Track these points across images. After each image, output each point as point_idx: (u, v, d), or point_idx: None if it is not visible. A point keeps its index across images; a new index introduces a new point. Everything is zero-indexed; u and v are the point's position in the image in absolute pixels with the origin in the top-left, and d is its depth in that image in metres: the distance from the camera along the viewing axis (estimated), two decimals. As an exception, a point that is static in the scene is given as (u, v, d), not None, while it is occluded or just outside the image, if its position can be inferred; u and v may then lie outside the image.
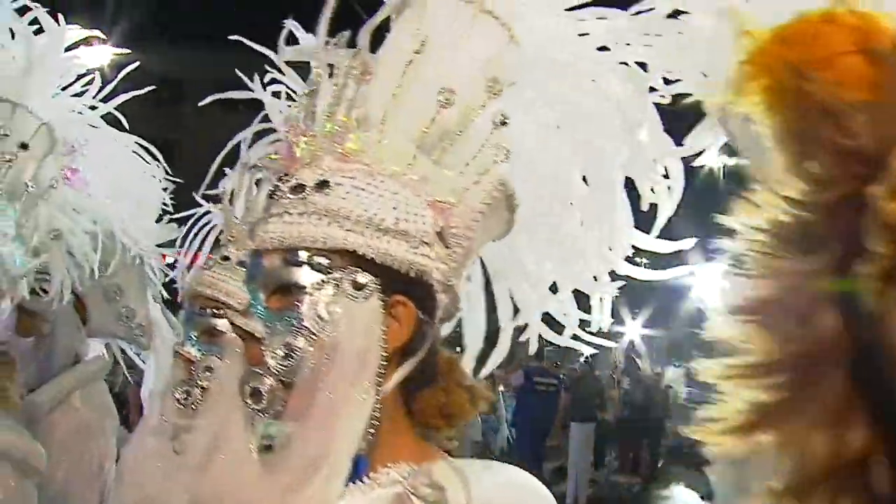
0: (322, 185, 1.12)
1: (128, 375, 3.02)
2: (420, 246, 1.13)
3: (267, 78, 2.25)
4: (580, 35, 1.52)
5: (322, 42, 1.31)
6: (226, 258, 1.92)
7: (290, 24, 2.10)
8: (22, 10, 2.22)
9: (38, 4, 2.22)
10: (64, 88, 2.38)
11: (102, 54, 2.38)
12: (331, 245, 1.09)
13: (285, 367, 1.07)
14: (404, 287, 1.11)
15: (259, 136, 2.35)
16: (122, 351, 2.99)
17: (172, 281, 2.95)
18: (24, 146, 2.16)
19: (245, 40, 2.16)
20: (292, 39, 1.70)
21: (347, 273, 1.09)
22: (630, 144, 1.51)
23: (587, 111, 1.51)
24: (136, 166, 2.50)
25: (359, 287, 1.09)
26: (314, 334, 1.07)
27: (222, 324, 1.84)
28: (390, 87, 1.24)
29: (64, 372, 2.64)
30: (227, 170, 2.51)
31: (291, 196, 1.12)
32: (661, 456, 12.37)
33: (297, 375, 1.07)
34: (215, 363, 1.84)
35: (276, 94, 2.27)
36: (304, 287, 1.09)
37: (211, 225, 2.66)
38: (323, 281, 1.09)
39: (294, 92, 1.91)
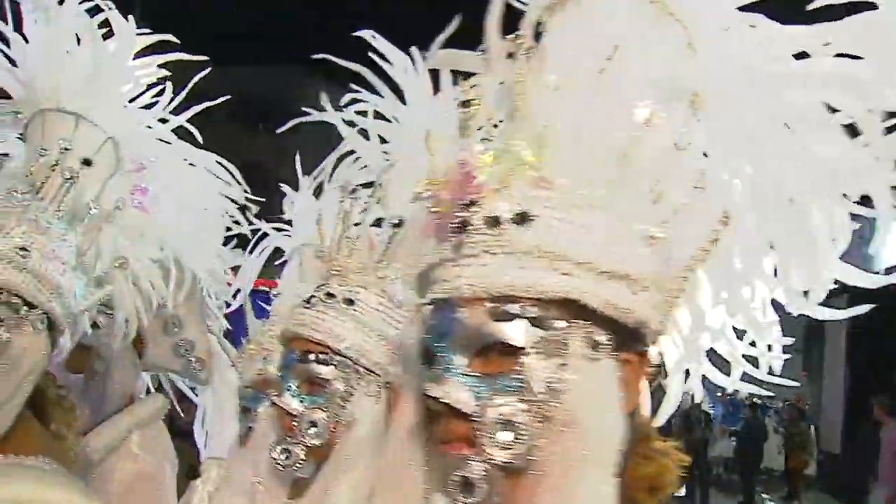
0: (522, 217, 0.94)
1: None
2: (640, 292, 0.95)
3: (347, 97, 2.04)
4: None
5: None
6: (330, 295, 1.66)
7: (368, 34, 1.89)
8: (92, 11, 1.98)
9: (111, 4, 1.98)
10: (132, 100, 2.14)
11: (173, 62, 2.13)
12: (549, 293, 0.91)
13: (508, 448, 0.88)
14: (626, 342, 0.96)
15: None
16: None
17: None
18: (87, 162, 1.91)
19: (332, 57, 2.02)
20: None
21: (577, 329, 0.92)
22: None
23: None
24: (208, 186, 2.24)
25: (594, 346, 0.92)
26: (543, 407, 0.89)
27: (329, 371, 1.59)
28: (579, 100, 1.00)
29: (119, 413, 2.39)
30: (285, 188, 2.31)
31: (488, 232, 0.93)
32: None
33: (524, 460, 0.88)
34: (319, 417, 1.60)
35: (362, 113, 2.04)
36: (523, 347, 0.90)
37: (266, 249, 2.45)
38: (545, 339, 0.91)
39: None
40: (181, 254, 2.25)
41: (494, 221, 0.93)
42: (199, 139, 2.20)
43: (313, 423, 1.62)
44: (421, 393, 0.99)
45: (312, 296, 1.71)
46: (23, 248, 1.72)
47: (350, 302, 1.70)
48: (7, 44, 2.02)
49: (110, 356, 2.35)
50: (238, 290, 2.61)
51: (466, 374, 0.92)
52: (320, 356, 1.64)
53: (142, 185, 2.07)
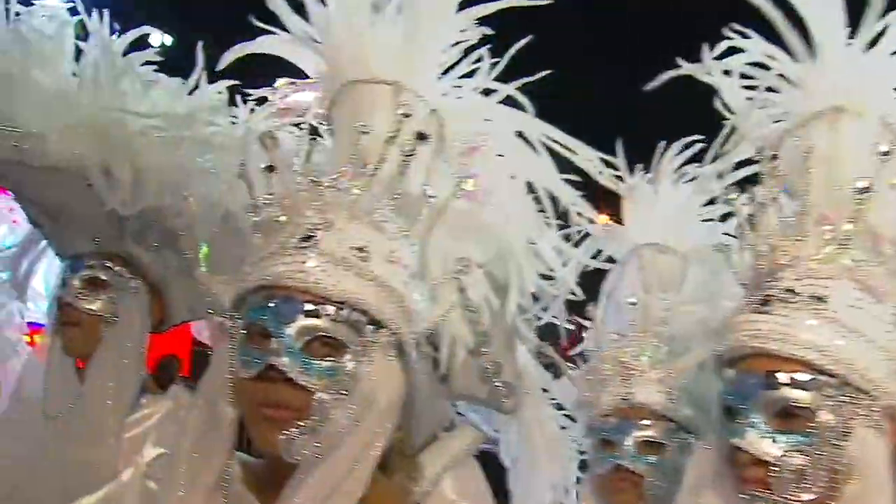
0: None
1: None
2: None
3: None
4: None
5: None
6: (791, 291, 1.18)
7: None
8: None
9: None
10: (448, 70, 1.73)
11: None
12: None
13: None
14: None
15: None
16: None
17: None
18: (421, 137, 1.49)
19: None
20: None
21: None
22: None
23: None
24: (541, 171, 1.78)
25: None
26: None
27: (810, 398, 1.24)
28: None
29: (424, 449, 1.99)
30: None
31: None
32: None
33: None
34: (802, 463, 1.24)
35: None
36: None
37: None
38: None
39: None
40: (513, 257, 1.82)
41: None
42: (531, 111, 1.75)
43: (798, 473, 1.21)
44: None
45: (767, 296, 1.22)
46: (360, 249, 1.33)
47: (820, 299, 1.24)
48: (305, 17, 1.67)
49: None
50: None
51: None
52: (796, 377, 1.25)
53: (471, 170, 1.65)
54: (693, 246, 2.14)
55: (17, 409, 2.05)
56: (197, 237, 2.03)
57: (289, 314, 1.29)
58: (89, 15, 2.06)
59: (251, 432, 1.32)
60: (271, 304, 1.31)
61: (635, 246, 2.21)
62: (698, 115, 1.96)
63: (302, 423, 1.27)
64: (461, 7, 1.66)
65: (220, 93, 2.07)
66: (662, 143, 2.21)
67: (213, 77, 2.02)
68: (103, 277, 1.99)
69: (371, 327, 1.31)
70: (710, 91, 1.74)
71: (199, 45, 1.99)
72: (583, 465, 2.27)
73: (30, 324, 2.67)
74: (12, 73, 1.90)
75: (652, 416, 1.95)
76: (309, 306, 1.29)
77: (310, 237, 1.33)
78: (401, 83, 1.57)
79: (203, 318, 2.27)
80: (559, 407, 2.38)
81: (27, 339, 2.65)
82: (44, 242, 2.31)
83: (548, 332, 2.28)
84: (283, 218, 1.39)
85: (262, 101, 2.02)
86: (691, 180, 2.23)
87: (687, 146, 2.18)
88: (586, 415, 2.08)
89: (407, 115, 1.45)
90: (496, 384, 2.16)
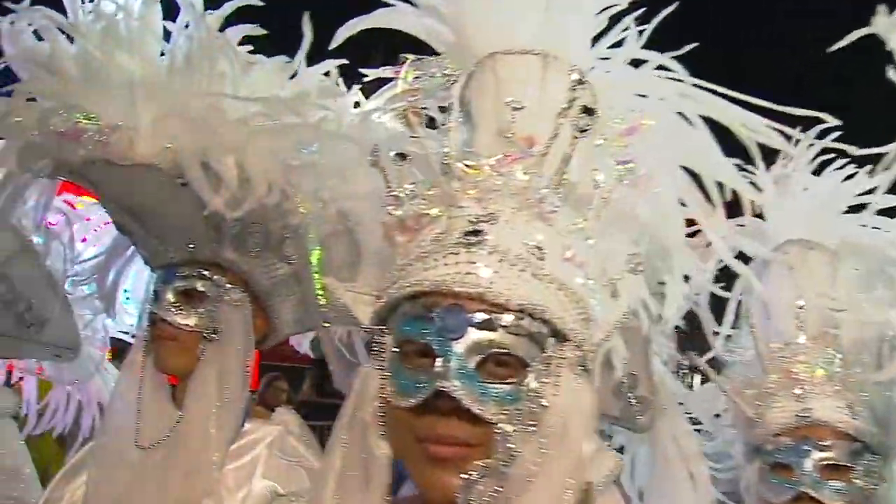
0: None
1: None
2: None
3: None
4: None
5: None
6: None
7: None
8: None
9: None
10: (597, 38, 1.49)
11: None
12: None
13: None
14: None
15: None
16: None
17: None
18: (589, 112, 1.24)
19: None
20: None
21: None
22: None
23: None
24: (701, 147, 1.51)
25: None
26: None
27: None
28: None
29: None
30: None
31: None
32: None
33: None
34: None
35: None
36: None
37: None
38: None
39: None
40: (662, 253, 1.57)
41: None
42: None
43: None
44: None
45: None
46: (536, 246, 1.12)
47: None
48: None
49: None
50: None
51: None
52: None
53: (627, 154, 1.40)
54: (843, 240, 1.87)
55: (108, 438, 1.84)
56: (306, 240, 1.80)
57: (457, 327, 1.06)
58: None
59: (413, 473, 1.10)
60: (433, 316, 1.08)
61: (781, 242, 1.95)
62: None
63: (483, 464, 1.04)
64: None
65: (327, 74, 1.84)
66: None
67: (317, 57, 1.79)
68: (200, 288, 1.77)
69: (553, 340, 1.09)
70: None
71: (305, 17, 1.72)
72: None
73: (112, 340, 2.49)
74: (94, 58, 1.68)
75: (833, 435, 1.68)
76: (481, 316, 1.07)
77: (476, 232, 1.11)
78: (551, 53, 1.34)
79: (312, 330, 2.05)
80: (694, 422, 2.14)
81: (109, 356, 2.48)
82: (131, 250, 2.12)
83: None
84: (434, 211, 1.18)
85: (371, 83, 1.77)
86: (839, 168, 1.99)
87: (829, 130, 1.89)
88: (748, 434, 1.82)
89: (582, 83, 1.22)
90: (630, 399, 1.92)
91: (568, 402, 1.07)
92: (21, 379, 2.49)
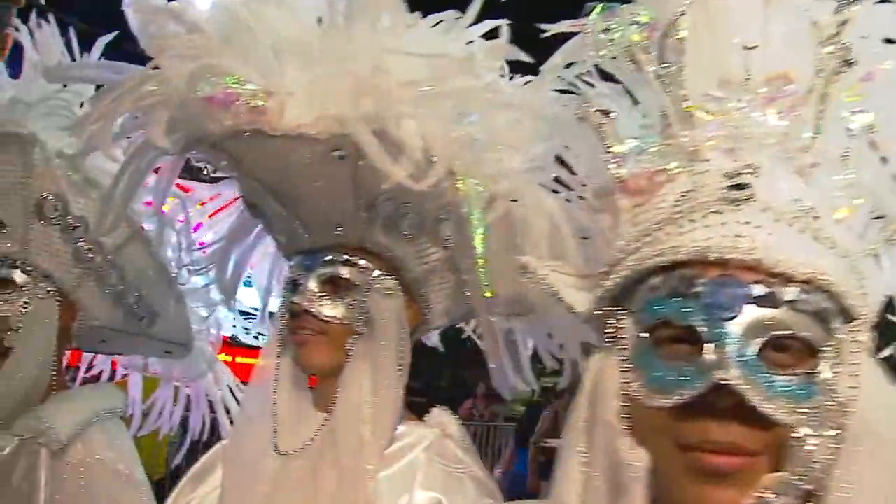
0: None
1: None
2: None
3: None
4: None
5: None
6: None
7: None
8: None
9: None
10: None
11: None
12: None
13: None
14: None
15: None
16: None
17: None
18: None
19: None
20: None
21: None
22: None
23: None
24: None
25: None
26: None
27: None
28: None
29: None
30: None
31: None
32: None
33: None
34: None
35: None
36: None
37: None
38: None
39: None
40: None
41: None
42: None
43: None
44: None
45: None
46: (811, 206, 0.92)
47: None
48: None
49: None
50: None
51: None
52: None
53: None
54: None
55: (242, 442, 1.66)
56: (466, 222, 1.58)
57: (730, 304, 0.86)
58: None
59: (672, 489, 0.88)
60: (697, 290, 0.87)
61: None
62: None
63: (778, 479, 0.83)
64: None
65: (493, 33, 1.61)
66: None
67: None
68: (346, 276, 1.57)
69: (840, 319, 0.89)
70: None
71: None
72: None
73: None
74: (240, 17, 1.48)
75: None
76: (760, 289, 0.86)
77: (741, 186, 0.90)
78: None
79: (461, 322, 1.85)
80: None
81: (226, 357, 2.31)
82: (253, 236, 1.94)
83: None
84: (672, 165, 0.97)
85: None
86: None
87: None
88: None
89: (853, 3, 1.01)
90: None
91: (873, 398, 0.87)
92: (126, 375, 2.32)
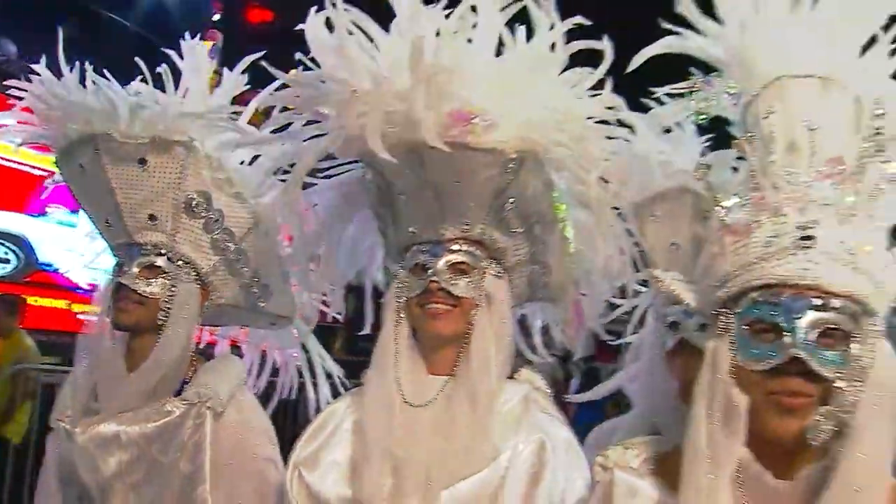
0: None
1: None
2: None
3: None
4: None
5: None
6: None
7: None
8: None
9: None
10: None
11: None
12: None
13: None
14: None
15: None
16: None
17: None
18: (879, 132, 1.52)
19: None
20: None
21: None
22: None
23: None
24: None
25: None
26: None
27: None
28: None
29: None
30: None
31: None
32: None
33: None
34: None
35: None
36: None
37: None
38: None
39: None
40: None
41: None
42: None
43: None
44: None
45: None
46: (851, 248, 1.44)
47: None
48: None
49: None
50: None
51: None
52: None
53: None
54: None
55: (375, 392, 1.98)
56: (553, 225, 2.05)
57: (800, 309, 1.38)
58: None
59: (761, 420, 1.40)
60: (780, 301, 1.40)
61: None
62: None
63: (826, 411, 1.36)
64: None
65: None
66: None
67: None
68: (467, 261, 1.96)
69: (866, 317, 1.40)
70: None
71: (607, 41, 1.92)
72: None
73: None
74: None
75: None
76: (817, 301, 1.38)
77: (809, 238, 1.41)
78: (831, 77, 1.60)
79: (528, 302, 2.31)
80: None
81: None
82: (349, 231, 2.32)
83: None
84: (763, 217, 1.47)
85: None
86: None
87: None
88: None
89: (881, 115, 1.50)
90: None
91: (884, 363, 1.40)
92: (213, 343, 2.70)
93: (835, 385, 1.37)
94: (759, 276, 1.42)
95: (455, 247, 1.98)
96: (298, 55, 1.98)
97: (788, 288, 1.40)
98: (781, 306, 1.39)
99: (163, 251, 2.24)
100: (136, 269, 2.21)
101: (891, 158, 1.61)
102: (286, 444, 2.14)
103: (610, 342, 2.54)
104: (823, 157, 1.50)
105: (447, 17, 1.89)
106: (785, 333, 1.38)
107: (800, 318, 1.38)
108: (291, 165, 2.18)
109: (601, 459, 1.65)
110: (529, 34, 1.94)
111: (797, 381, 1.37)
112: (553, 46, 1.91)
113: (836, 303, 1.38)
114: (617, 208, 2.17)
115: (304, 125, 2.07)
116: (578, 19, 1.86)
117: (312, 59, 1.96)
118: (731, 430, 1.41)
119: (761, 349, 1.40)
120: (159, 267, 2.23)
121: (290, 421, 4.26)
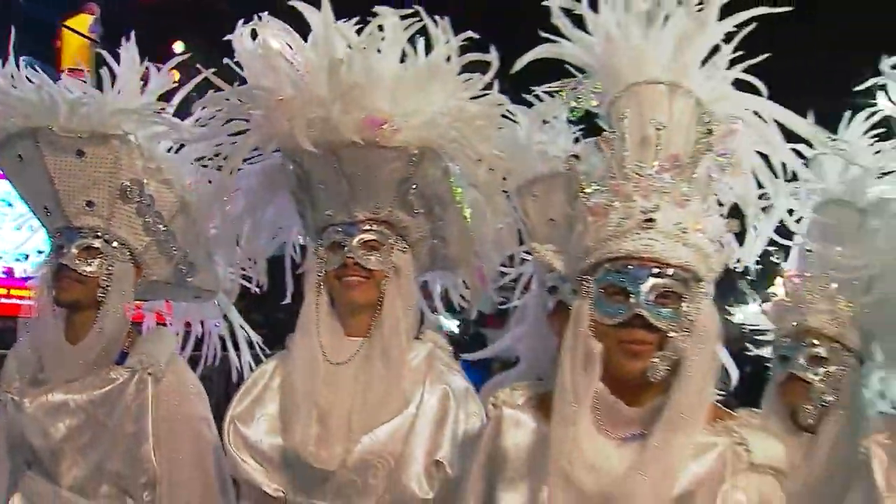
0: None
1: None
2: None
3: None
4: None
5: None
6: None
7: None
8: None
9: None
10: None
11: None
12: None
13: None
14: None
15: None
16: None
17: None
18: (710, 132, 1.90)
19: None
20: None
21: None
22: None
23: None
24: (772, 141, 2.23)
25: None
26: None
27: None
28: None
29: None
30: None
31: None
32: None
33: None
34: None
35: None
36: None
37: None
38: None
39: None
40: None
41: None
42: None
43: None
44: None
45: None
46: (682, 226, 1.76)
47: None
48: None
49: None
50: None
51: None
52: None
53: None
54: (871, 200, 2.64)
55: (300, 353, 2.30)
56: (451, 206, 2.42)
57: (642, 277, 1.73)
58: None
59: (612, 363, 1.75)
60: (628, 271, 1.74)
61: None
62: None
63: (661, 354, 1.72)
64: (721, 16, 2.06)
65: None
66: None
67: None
68: (378, 239, 2.28)
69: (695, 282, 1.75)
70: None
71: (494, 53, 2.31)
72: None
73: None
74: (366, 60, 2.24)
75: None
76: (656, 270, 1.73)
77: (651, 220, 1.75)
78: (678, 83, 1.93)
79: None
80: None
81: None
82: (267, 212, 2.63)
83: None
84: (616, 203, 1.80)
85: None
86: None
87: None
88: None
89: (710, 120, 1.88)
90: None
91: (708, 317, 1.77)
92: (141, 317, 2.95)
93: (669, 335, 1.71)
94: (612, 250, 1.75)
95: (366, 227, 2.30)
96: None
97: (634, 260, 1.72)
98: (629, 274, 1.72)
99: (99, 234, 2.48)
100: (75, 251, 2.44)
101: (727, 152, 2.02)
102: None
103: (500, 307, 2.94)
104: (667, 153, 1.83)
105: (358, 32, 2.20)
106: (631, 295, 1.71)
107: (642, 283, 1.70)
108: (216, 155, 2.47)
109: (493, 399, 1.96)
110: (428, 48, 2.28)
111: (640, 333, 1.71)
112: (448, 58, 2.25)
113: (670, 271, 1.72)
114: (505, 190, 2.54)
115: (225, 123, 2.39)
116: (469, 34, 2.21)
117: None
118: (589, 370, 1.74)
119: (613, 308, 1.73)
120: (97, 248, 2.47)
121: (215, 385, 4.52)
